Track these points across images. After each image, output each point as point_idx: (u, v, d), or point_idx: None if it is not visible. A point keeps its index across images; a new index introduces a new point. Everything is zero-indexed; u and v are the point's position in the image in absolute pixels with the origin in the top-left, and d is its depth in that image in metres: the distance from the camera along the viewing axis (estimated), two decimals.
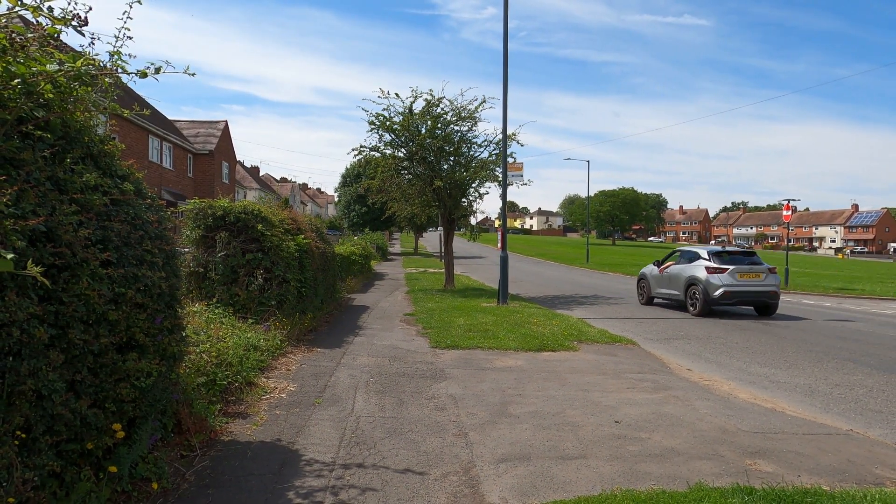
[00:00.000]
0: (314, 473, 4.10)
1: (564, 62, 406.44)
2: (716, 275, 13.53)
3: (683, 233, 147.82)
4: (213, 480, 3.92)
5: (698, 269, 13.96)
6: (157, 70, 3.32)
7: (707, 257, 14.10)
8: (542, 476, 4.13)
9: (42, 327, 2.81)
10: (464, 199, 18.53)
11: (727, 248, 14.58)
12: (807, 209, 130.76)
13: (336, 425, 5.14)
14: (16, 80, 2.77)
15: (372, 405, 5.78)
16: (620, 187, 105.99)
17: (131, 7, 3.46)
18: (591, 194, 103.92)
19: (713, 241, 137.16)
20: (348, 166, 49.97)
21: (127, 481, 3.55)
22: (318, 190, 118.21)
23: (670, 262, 15.56)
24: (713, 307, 13.79)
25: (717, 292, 13.35)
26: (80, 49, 3.36)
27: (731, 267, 13.52)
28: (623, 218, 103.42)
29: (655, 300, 16.41)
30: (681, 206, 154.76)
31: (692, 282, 14.10)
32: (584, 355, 8.57)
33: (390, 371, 7.25)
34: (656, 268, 16.10)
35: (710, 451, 4.70)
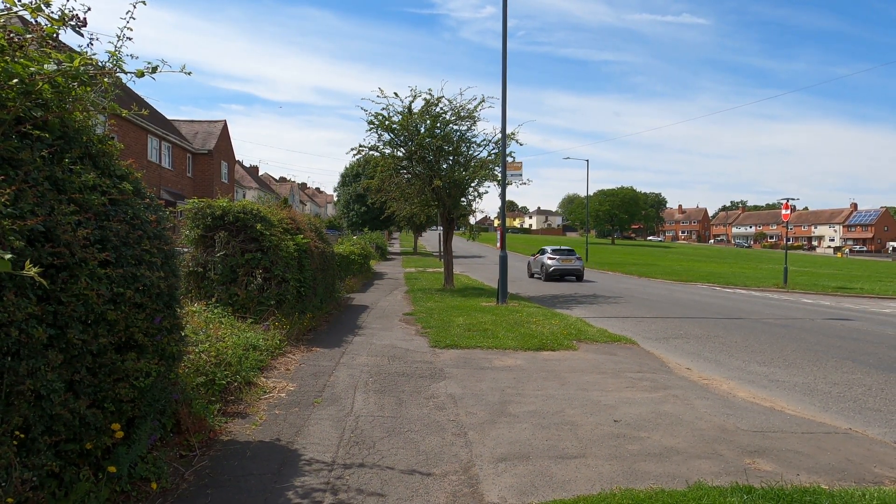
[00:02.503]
0: (314, 473, 4.10)
1: (564, 61, 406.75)
2: (551, 260, 25.14)
3: (683, 232, 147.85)
4: (212, 480, 3.92)
5: (545, 258, 25.55)
6: (154, 70, 3.31)
7: (549, 252, 25.77)
8: (542, 475, 4.13)
9: (41, 327, 2.81)
10: (463, 199, 18.54)
11: (560, 248, 26.44)
12: (805, 208, 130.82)
13: (335, 425, 5.14)
14: (14, 80, 2.77)
15: (371, 405, 5.78)
16: (620, 186, 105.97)
17: (135, 7, 3.45)
18: (591, 193, 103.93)
19: (712, 241, 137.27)
20: (347, 166, 49.95)
21: (126, 481, 3.55)
22: (318, 189, 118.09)
23: (537, 254, 27.05)
24: (551, 276, 25.04)
25: (551, 269, 24.97)
26: (78, 49, 3.36)
27: (558, 256, 25.29)
28: (622, 217, 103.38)
29: (533, 275, 27.06)
30: (680, 206, 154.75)
31: (542, 263, 25.73)
32: (583, 354, 8.57)
33: (390, 370, 7.25)
34: (532, 257, 28.15)
35: (710, 450, 4.70)
